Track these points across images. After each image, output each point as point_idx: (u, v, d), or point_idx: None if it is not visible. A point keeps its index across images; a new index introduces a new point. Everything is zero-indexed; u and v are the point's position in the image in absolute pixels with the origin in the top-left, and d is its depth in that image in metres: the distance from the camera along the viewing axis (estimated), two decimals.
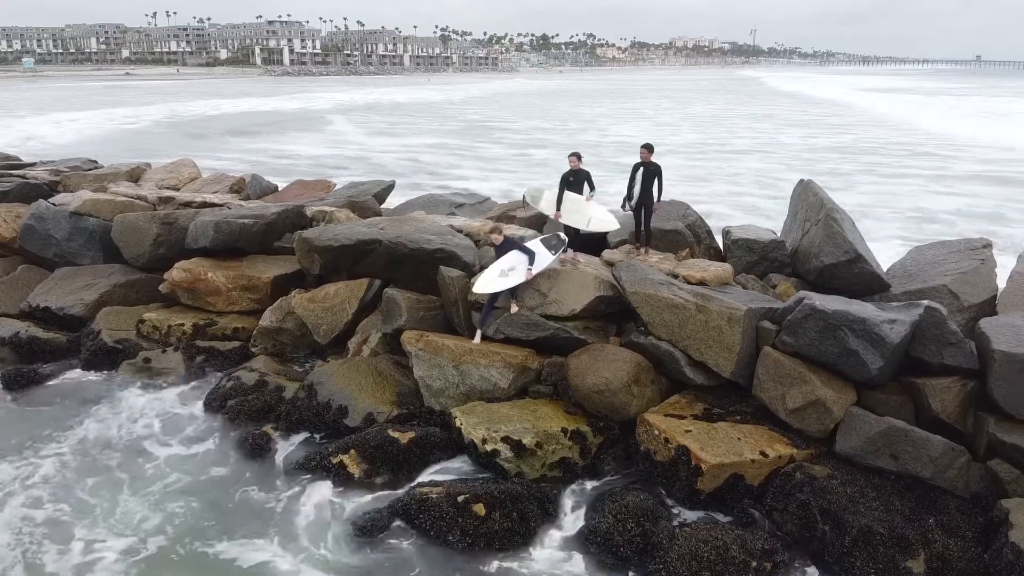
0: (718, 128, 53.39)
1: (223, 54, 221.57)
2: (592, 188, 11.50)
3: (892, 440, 7.93)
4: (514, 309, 10.24)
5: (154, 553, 7.60)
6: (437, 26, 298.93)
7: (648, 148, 11.37)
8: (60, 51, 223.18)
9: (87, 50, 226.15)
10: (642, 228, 11.66)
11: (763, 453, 8.17)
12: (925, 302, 8.90)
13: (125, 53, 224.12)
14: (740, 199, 25.49)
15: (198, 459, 9.40)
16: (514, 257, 10.33)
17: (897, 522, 7.41)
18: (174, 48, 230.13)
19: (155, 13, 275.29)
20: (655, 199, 11.35)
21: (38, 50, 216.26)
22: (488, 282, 10.18)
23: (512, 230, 12.35)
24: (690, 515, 8.06)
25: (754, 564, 7.16)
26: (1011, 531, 7.07)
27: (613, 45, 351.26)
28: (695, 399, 9.19)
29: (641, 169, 11.23)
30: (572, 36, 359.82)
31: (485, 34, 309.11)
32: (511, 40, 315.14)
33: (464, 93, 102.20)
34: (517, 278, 10.19)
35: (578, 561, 7.54)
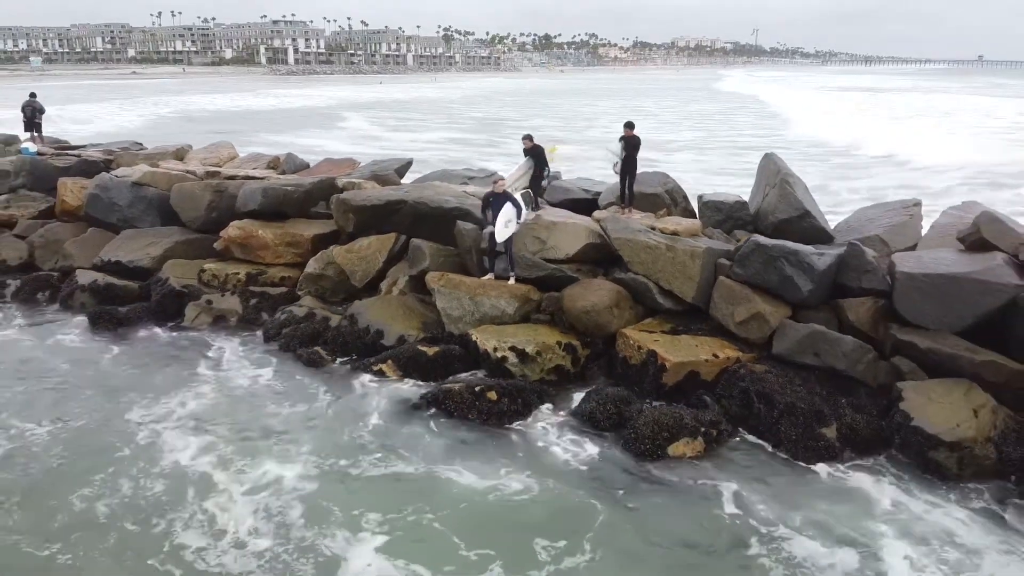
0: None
1: (228, 53, 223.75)
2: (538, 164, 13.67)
3: (814, 341, 10.12)
4: (511, 282, 12.17)
5: (243, 432, 9.82)
6: (440, 26, 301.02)
7: (629, 125, 13.59)
8: (66, 50, 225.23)
9: (93, 49, 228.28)
10: (626, 191, 13.84)
11: (715, 355, 10.36)
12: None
13: (131, 52, 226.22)
14: None
15: (266, 374, 11.53)
16: (508, 211, 12.10)
17: (816, 401, 9.58)
18: (179, 48, 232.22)
19: (160, 13, 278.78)
20: (635, 167, 13.56)
21: (44, 49, 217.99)
22: (502, 231, 12.07)
23: None
24: (656, 403, 10.22)
25: (703, 430, 9.35)
26: (902, 403, 9.27)
27: (615, 45, 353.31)
28: (664, 320, 11.39)
29: (623, 142, 13.44)
30: (574, 36, 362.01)
31: (488, 34, 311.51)
32: (513, 40, 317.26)
33: (462, 92, 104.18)
34: (513, 228, 12.10)
35: (568, 432, 9.74)
